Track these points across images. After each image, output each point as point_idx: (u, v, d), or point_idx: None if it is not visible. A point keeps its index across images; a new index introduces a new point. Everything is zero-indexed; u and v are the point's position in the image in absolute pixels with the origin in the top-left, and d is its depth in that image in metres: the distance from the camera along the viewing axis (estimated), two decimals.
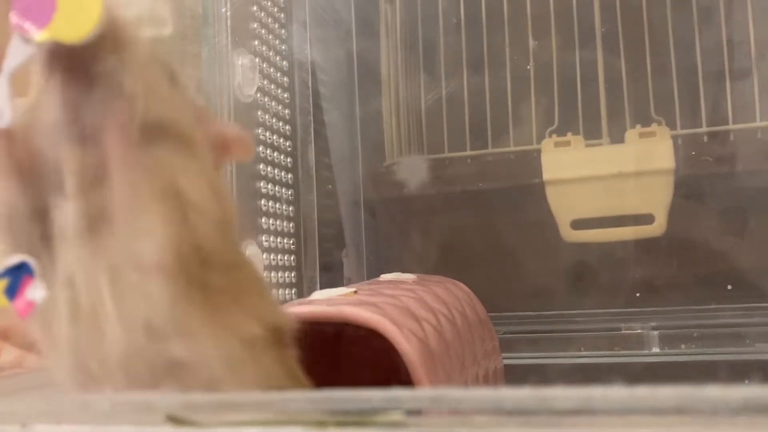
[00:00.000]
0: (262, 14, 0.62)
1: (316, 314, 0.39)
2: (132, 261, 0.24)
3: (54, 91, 0.26)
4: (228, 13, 0.53)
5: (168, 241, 0.24)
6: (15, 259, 0.25)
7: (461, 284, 0.56)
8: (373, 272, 0.72)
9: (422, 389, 0.35)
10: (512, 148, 0.70)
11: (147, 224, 0.25)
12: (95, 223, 0.25)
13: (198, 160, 0.27)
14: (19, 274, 0.25)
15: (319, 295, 0.44)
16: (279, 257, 0.62)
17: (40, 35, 0.25)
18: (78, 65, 0.26)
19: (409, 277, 0.54)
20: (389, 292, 0.45)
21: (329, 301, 0.41)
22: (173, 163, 0.26)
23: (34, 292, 0.25)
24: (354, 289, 0.44)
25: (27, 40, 0.25)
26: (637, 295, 0.63)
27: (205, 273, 0.26)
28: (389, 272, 0.73)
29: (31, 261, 0.25)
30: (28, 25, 0.25)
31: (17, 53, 0.25)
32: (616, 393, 0.20)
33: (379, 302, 0.41)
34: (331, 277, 0.72)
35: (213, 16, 0.53)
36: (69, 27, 0.25)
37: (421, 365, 0.39)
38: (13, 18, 0.25)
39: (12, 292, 0.25)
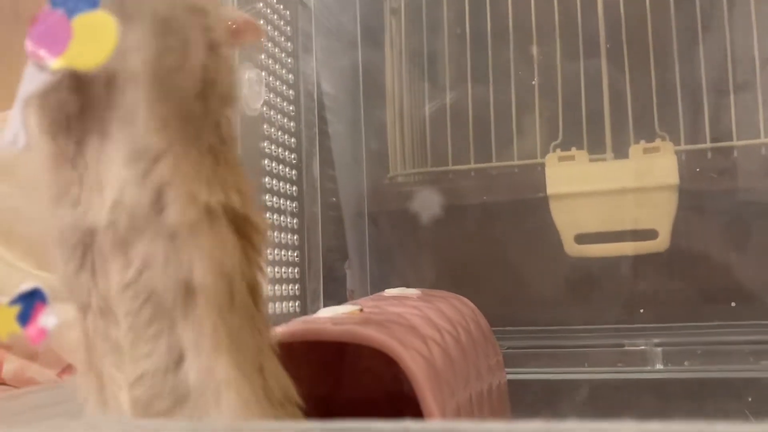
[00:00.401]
0: (269, 27, 0.62)
1: (321, 333, 0.39)
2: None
3: None
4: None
5: None
6: (28, 286, 0.25)
7: (465, 299, 0.56)
8: (377, 284, 0.72)
9: (433, 422, 0.36)
10: (516, 162, 0.70)
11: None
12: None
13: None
14: (31, 300, 0.25)
15: (324, 312, 0.44)
16: (283, 270, 0.62)
17: (56, 63, 0.25)
18: None
19: (413, 292, 0.54)
20: (394, 310, 0.45)
21: (334, 320, 0.41)
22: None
23: (47, 319, 0.25)
24: (359, 307, 0.44)
25: (42, 67, 0.25)
26: (641, 311, 0.63)
27: None
28: (393, 284, 0.73)
29: (43, 288, 0.25)
30: (43, 53, 0.25)
31: (32, 80, 0.25)
32: (627, 427, 0.20)
33: (384, 321, 0.41)
34: (335, 288, 0.72)
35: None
36: (84, 55, 0.25)
37: (426, 385, 0.39)
38: (28, 45, 0.25)
39: (25, 318, 0.25)
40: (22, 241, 0.68)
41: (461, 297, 0.56)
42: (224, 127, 0.29)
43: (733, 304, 0.60)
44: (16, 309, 0.25)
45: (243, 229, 0.29)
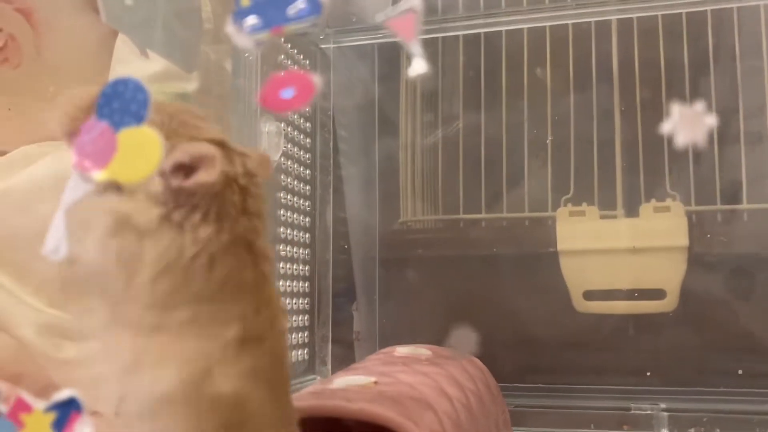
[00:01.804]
0: None
1: (336, 411, 0.39)
2: None
3: None
4: (258, 85, 0.54)
5: None
6: (64, 395, 0.26)
7: (476, 360, 0.57)
8: (384, 328, 0.73)
9: None
10: (527, 214, 0.71)
11: None
12: None
13: None
14: (67, 409, 0.25)
15: (339, 382, 0.44)
16: (293, 318, 0.63)
17: (100, 175, 0.26)
18: None
19: (423, 353, 0.54)
20: (407, 380, 0.46)
21: (348, 395, 0.41)
22: None
23: (83, 428, 0.25)
24: (373, 379, 0.44)
25: (86, 178, 0.26)
26: (648, 374, 0.63)
27: None
28: (401, 328, 0.74)
29: (78, 397, 0.26)
30: (87, 164, 0.26)
31: (76, 189, 0.26)
32: None
33: (398, 396, 0.42)
34: (342, 332, 0.72)
35: (244, 88, 0.54)
36: (128, 170, 0.25)
37: None
38: (74, 155, 0.26)
39: (59, 426, 0.25)
40: (36, 278, 0.68)
41: (471, 358, 0.56)
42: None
43: (740, 371, 0.61)
44: (51, 416, 0.25)
45: None
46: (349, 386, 0.44)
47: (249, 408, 0.28)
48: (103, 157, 0.26)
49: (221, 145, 0.29)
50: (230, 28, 0.26)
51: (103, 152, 0.26)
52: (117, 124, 0.26)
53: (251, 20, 0.25)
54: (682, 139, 0.21)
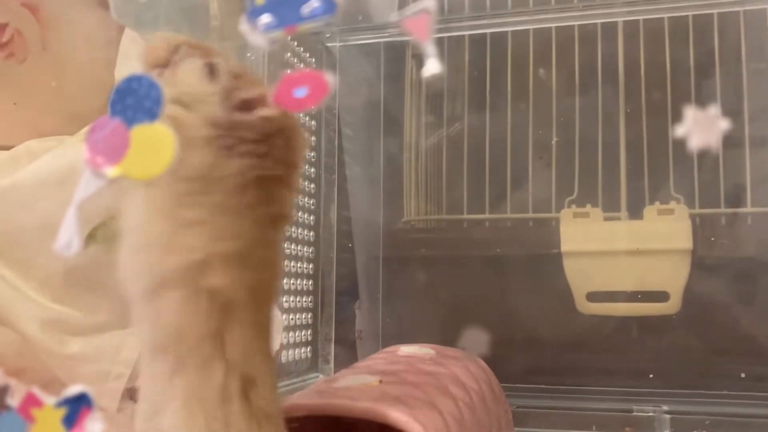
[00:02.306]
0: None
1: (341, 410, 0.39)
2: None
3: None
4: (265, 83, 0.54)
5: None
6: (75, 390, 0.26)
7: (479, 360, 0.57)
8: (387, 327, 0.73)
9: None
10: (531, 215, 0.71)
11: None
12: None
13: None
14: (78, 404, 0.25)
15: (343, 381, 0.44)
16: (297, 316, 0.63)
17: (112, 171, 0.26)
18: None
19: (427, 353, 0.54)
20: (412, 380, 0.46)
21: (352, 394, 0.41)
22: None
23: (93, 424, 0.25)
24: (378, 378, 0.44)
25: (99, 174, 0.26)
26: (651, 376, 0.63)
27: None
28: (403, 326, 0.74)
29: (89, 392, 0.26)
30: (100, 160, 0.26)
31: (88, 185, 0.26)
32: None
33: (402, 395, 0.42)
34: (344, 330, 0.73)
35: None
36: (141, 166, 0.25)
37: None
38: (86, 151, 0.26)
39: (70, 422, 0.25)
40: (40, 273, 0.68)
41: (474, 358, 0.56)
42: None
43: (742, 375, 0.61)
44: (62, 411, 0.25)
45: None
46: (353, 385, 0.44)
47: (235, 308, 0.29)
48: (116, 153, 0.26)
49: None
50: (244, 26, 0.26)
51: (116, 149, 0.26)
52: (130, 121, 0.26)
53: (265, 19, 0.25)
54: (695, 143, 0.21)
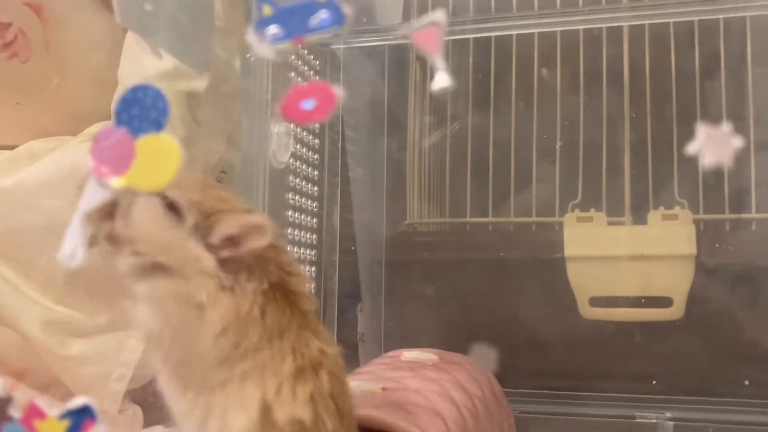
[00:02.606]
0: (299, 80, 0.62)
1: None
2: None
3: None
4: (269, 85, 0.54)
5: None
6: (78, 402, 0.25)
7: (482, 366, 0.56)
8: (389, 330, 0.73)
9: None
10: (534, 219, 0.71)
11: None
12: None
13: None
14: (81, 417, 0.25)
15: None
16: None
17: (117, 181, 0.25)
18: None
19: (430, 358, 0.54)
20: (414, 386, 0.46)
21: (356, 403, 0.41)
22: None
23: None
24: (381, 386, 0.44)
25: (103, 184, 0.26)
26: (654, 382, 0.63)
27: None
28: (406, 330, 0.73)
29: (93, 404, 0.26)
30: (105, 170, 0.26)
31: (93, 195, 0.26)
32: None
33: (405, 403, 0.42)
34: (346, 333, 0.72)
35: (254, 88, 0.54)
36: (146, 177, 0.25)
37: None
38: (91, 161, 0.26)
39: None
40: (42, 274, 0.68)
41: (477, 363, 0.56)
42: None
43: (746, 382, 0.61)
44: (65, 423, 0.25)
45: None
46: (356, 392, 0.44)
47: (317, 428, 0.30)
48: (121, 163, 0.25)
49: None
50: (251, 37, 0.26)
51: (121, 159, 0.25)
52: (136, 131, 0.26)
53: (273, 29, 0.25)
54: (707, 161, 0.21)
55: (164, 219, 0.30)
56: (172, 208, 0.30)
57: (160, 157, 0.25)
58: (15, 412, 0.26)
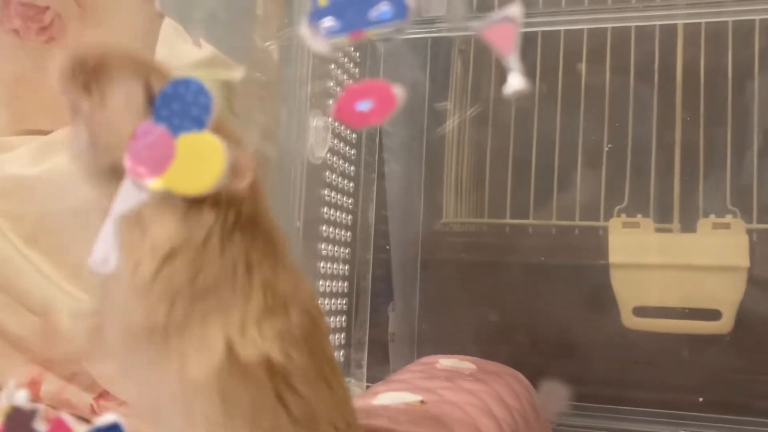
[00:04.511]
0: (339, 71, 0.60)
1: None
2: None
3: None
4: (309, 77, 0.52)
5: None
6: (107, 419, 0.24)
7: (520, 376, 0.54)
8: (421, 332, 0.71)
9: None
10: (578, 223, 0.68)
11: None
12: None
13: None
14: None
15: (383, 398, 0.42)
16: (331, 319, 0.61)
17: (155, 183, 0.24)
18: None
19: (468, 366, 0.52)
20: (453, 398, 0.44)
21: (393, 415, 0.39)
22: None
23: None
24: (420, 398, 0.42)
25: (140, 186, 0.24)
26: (700, 399, 0.60)
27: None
28: (439, 332, 0.71)
29: (122, 422, 0.24)
30: (142, 170, 0.24)
31: (128, 198, 0.24)
32: None
33: (446, 418, 0.40)
34: (377, 333, 0.70)
35: (293, 79, 0.52)
36: (186, 179, 0.23)
37: None
38: (127, 161, 0.24)
39: None
40: (72, 264, 0.67)
41: (515, 373, 0.54)
42: None
43: None
44: None
45: None
46: (394, 404, 0.42)
47: (288, 368, 0.28)
48: (160, 164, 0.24)
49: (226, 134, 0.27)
50: (304, 30, 0.23)
51: (160, 159, 0.24)
52: (176, 129, 0.24)
53: (328, 22, 0.23)
54: None
55: (142, 112, 0.26)
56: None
57: (202, 158, 0.23)
58: (40, 427, 0.24)
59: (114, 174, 0.25)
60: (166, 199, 0.25)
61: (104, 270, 0.24)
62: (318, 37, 0.23)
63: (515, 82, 0.22)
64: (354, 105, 0.23)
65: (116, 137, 0.26)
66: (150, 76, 0.26)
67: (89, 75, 0.27)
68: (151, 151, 0.24)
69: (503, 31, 0.21)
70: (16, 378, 0.55)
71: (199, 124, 0.23)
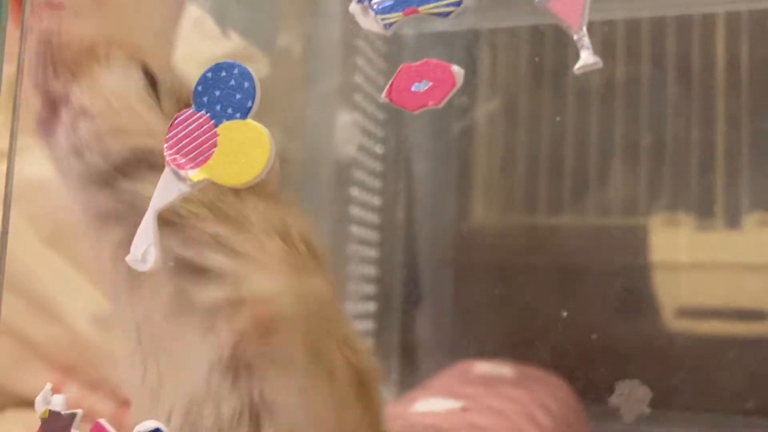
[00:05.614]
0: (367, 66, 0.58)
1: None
2: None
3: None
4: (336, 72, 0.50)
5: None
6: (148, 426, 0.22)
7: (561, 381, 0.52)
8: (454, 336, 0.68)
9: None
10: (615, 221, 0.65)
11: None
12: None
13: None
14: None
15: (421, 405, 0.40)
16: (359, 323, 0.59)
17: (196, 174, 0.21)
18: None
19: (505, 372, 0.50)
20: (495, 406, 0.42)
21: (436, 422, 0.37)
22: None
23: None
24: (460, 404, 0.40)
25: (181, 176, 0.22)
26: (748, 405, 0.57)
27: None
28: (471, 336, 0.69)
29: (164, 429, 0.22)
30: (182, 161, 0.22)
31: (168, 190, 0.22)
32: None
33: (491, 427, 0.38)
34: (408, 338, 0.68)
35: (320, 74, 0.50)
36: (229, 170, 0.21)
37: None
38: (166, 150, 0.22)
39: None
40: (93, 267, 0.66)
41: (556, 379, 0.52)
42: None
43: None
44: None
45: None
46: (434, 411, 0.39)
47: None
48: (201, 153, 0.22)
49: None
50: (353, 6, 0.21)
51: (201, 148, 0.22)
52: (218, 117, 0.22)
53: None
54: None
55: (141, 93, 0.25)
56: (153, 85, 0.25)
57: (247, 147, 0.21)
58: None
59: (102, 178, 0.24)
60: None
61: (143, 267, 0.22)
62: (368, 15, 0.21)
63: (586, 58, 0.19)
64: (409, 85, 0.21)
65: (116, 126, 0.24)
66: (145, 60, 0.25)
67: (74, 63, 0.25)
68: (192, 140, 0.22)
69: (572, 3, 0.19)
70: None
71: (242, 110, 0.21)
